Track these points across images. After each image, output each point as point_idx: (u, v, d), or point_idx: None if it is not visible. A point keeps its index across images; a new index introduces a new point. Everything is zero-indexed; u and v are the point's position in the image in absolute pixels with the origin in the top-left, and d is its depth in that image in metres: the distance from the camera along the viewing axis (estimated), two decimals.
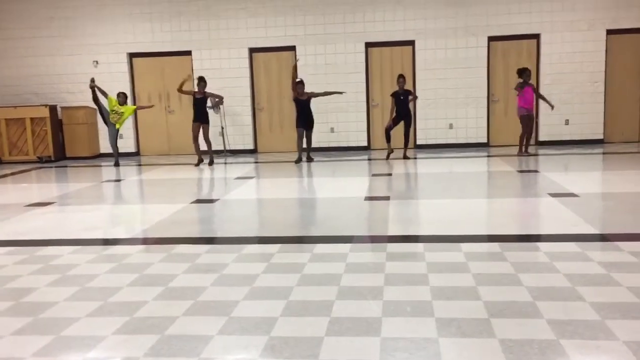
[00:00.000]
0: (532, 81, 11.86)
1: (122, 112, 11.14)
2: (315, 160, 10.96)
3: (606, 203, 6.52)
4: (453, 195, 7.13)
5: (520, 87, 10.37)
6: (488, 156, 10.82)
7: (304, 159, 10.96)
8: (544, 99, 10.52)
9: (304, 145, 10.93)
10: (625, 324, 3.04)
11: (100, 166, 11.47)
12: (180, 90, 10.63)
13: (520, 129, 10.52)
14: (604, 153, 10.60)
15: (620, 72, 11.79)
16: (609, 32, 11.56)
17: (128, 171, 10.60)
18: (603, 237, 4.89)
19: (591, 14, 11.51)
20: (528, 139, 10.54)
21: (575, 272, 3.88)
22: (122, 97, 11.13)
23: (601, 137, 11.83)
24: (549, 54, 11.66)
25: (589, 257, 4.21)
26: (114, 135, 11.16)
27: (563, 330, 2.98)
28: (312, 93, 10.77)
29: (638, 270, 3.90)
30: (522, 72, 10.33)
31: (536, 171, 8.76)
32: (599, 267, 3.97)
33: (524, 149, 10.51)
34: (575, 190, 7.00)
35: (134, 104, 12.82)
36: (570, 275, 3.81)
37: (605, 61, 11.66)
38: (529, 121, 10.46)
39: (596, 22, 11.53)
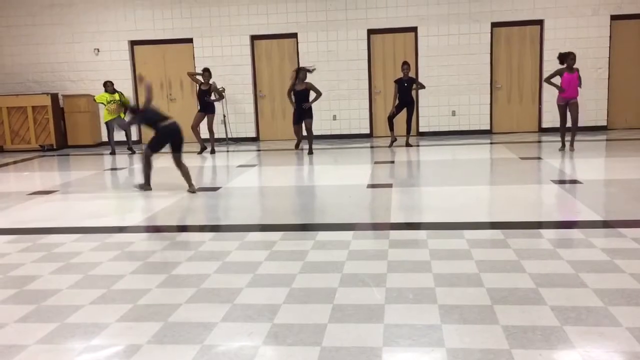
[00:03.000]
0: (535, 67, 11.81)
1: (119, 100, 11.15)
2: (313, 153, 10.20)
3: (609, 190, 6.50)
4: (456, 182, 7.11)
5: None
6: (491, 143, 10.79)
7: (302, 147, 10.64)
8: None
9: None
10: (629, 310, 3.03)
11: (102, 154, 11.46)
12: (190, 74, 10.90)
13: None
14: (607, 140, 10.55)
15: (624, 59, 11.70)
16: (613, 17, 11.46)
17: (130, 160, 10.59)
18: (606, 224, 4.88)
19: (595, 0, 11.41)
20: (571, 130, 9.20)
21: (578, 258, 3.88)
22: (110, 86, 11.14)
23: (605, 123, 11.77)
24: (553, 40, 11.57)
25: (592, 244, 4.20)
26: (113, 129, 11.29)
27: (566, 316, 2.98)
28: (311, 85, 10.12)
29: None
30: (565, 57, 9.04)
31: (539, 158, 8.74)
32: (602, 254, 3.96)
33: (569, 144, 9.27)
34: (579, 177, 6.97)
35: (135, 92, 12.81)
36: (573, 262, 3.81)
37: (609, 47, 11.57)
38: (560, 110, 9.20)
39: (600, 8, 11.43)
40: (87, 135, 12.63)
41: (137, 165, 9.89)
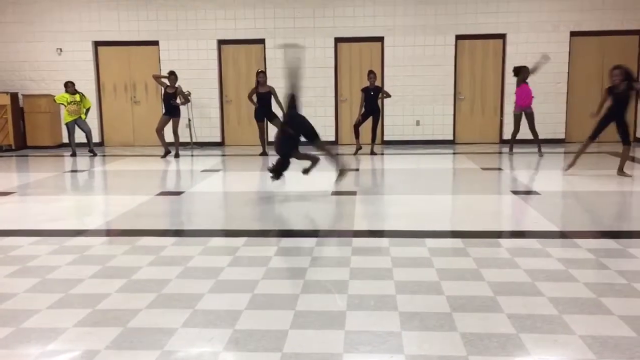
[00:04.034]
0: (498, 80, 12.09)
1: (80, 101, 10.98)
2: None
3: (566, 201, 6.68)
4: (419, 191, 7.21)
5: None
6: (453, 153, 10.96)
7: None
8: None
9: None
10: (582, 318, 3.13)
11: (63, 156, 11.23)
12: (155, 77, 10.90)
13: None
14: (565, 152, 10.83)
15: (583, 74, 12.05)
16: (573, 34, 11.81)
17: (92, 162, 10.41)
18: (562, 234, 5.02)
19: (556, 16, 11.74)
20: (534, 139, 10.30)
21: (535, 267, 3.98)
22: (71, 87, 10.96)
23: (563, 136, 12.10)
24: (514, 54, 11.85)
25: (549, 254, 4.32)
26: (73, 131, 11.11)
27: (522, 324, 3.05)
28: (273, 90, 10.58)
29: (595, 266, 4.02)
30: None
31: (499, 169, 8.92)
32: (558, 263, 4.07)
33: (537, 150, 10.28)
34: (537, 188, 7.14)
35: (98, 94, 12.62)
36: (530, 271, 3.90)
37: (569, 62, 11.92)
38: (516, 119, 10.36)
39: (560, 24, 11.76)
40: (47, 136, 12.36)
41: (98, 168, 9.73)
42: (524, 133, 10.40)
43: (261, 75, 10.57)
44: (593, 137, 7.91)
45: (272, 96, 10.58)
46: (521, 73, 10.18)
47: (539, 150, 10.21)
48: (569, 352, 2.76)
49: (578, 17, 11.71)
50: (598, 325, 3.03)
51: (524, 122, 10.24)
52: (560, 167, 8.65)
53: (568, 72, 11.94)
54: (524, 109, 10.10)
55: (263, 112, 10.63)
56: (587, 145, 8.05)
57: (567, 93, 12.01)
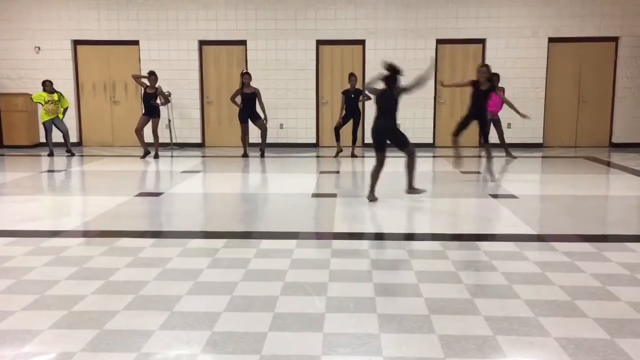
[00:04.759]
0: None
1: (57, 100, 10.86)
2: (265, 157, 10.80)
3: (543, 205, 6.77)
4: (398, 194, 7.24)
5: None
6: (433, 156, 11.04)
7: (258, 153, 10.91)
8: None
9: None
10: (557, 321, 3.17)
11: (40, 156, 11.09)
12: (135, 77, 10.77)
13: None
14: (543, 157, 10.97)
15: (560, 79, 12.22)
16: (551, 40, 11.97)
17: (69, 162, 10.28)
18: (539, 238, 5.08)
19: (535, 22, 11.89)
20: (502, 145, 10.53)
21: (512, 270, 4.02)
22: (49, 86, 10.84)
23: (540, 141, 12.25)
24: (494, 59, 11.96)
25: (526, 257, 4.37)
26: (51, 130, 11.00)
27: (499, 326, 3.09)
28: (258, 91, 10.66)
29: (570, 269, 4.07)
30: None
31: (478, 172, 9.00)
32: (535, 266, 4.12)
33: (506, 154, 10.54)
34: (515, 192, 7.22)
35: (77, 93, 12.48)
36: (507, 274, 3.94)
37: (547, 68, 12.08)
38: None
39: (539, 30, 11.92)
40: (24, 136, 12.18)
41: (76, 168, 9.61)
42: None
43: (246, 76, 10.57)
44: (456, 133, 8.22)
45: (256, 97, 10.56)
46: (493, 80, 10.20)
47: (508, 153, 10.41)
48: (544, 354, 2.80)
49: (557, 23, 11.87)
50: (573, 328, 3.08)
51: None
52: (538, 172, 8.76)
53: (546, 78, 12.10)
54: (493, 115, 10.19)
55: (247, 113, 10.63)
56: (455, 142, 8.24)
57: (545, 98, 12.16)
